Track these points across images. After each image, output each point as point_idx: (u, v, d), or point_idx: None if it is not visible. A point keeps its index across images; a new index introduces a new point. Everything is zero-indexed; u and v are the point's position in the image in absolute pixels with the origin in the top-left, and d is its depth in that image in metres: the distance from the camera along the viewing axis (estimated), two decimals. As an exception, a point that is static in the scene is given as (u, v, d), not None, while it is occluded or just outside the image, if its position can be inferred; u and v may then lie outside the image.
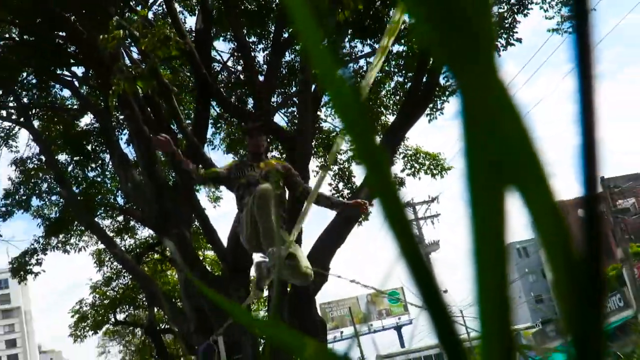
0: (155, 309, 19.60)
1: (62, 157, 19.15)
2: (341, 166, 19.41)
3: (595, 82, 0.35)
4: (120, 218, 21.43)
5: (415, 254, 0.38)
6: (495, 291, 0.36)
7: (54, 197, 19.96)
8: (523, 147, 0.34)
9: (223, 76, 18.13)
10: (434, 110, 17.92)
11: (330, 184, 19.36)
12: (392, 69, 18.00)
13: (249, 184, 6.59)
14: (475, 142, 0.35)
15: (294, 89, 17.19)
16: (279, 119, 18.14)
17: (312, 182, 14.71)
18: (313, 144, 16.60)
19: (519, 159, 0.34)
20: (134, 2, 16.37)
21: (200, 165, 8.05)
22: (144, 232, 21.99)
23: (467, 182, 0.35)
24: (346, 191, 18.88)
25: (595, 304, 0.35)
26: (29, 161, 19.68)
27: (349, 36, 16.30)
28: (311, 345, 0.44)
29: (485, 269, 0.36)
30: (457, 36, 0.33)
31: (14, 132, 19.44)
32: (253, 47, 17.09)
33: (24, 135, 19.60)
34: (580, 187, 0.36)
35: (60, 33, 16.25)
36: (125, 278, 24.22)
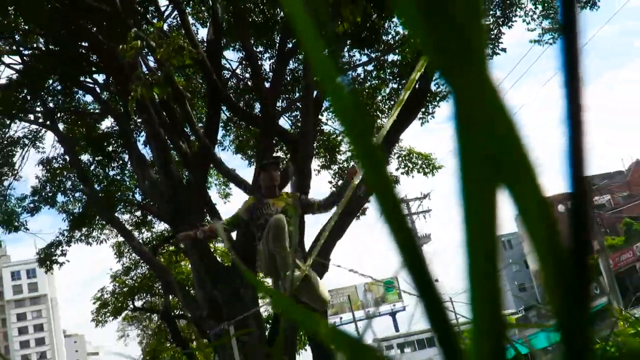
0: (170, 297, 19.59)
1: (85, 157, 19.17)
2: (340, 165, 19.44)
3: (582, 86, 0.35)
4: (138, 213, 21.45)
5: (410, 246, 0.38)
6: (486, 279, 0.36)
7: (77, 194, 20.00)
8: (513, 146, 0.34)
9: (232, 83, 18.14)
10: (426, 114, 17.95)
11: (330, 182, 19.41)
12: (387, 77, 18.04)
13: (265, 221, 6.41)
14: (467, 142, 0.35)
15: (297, 94, 17.20)
16: (284, 122, 18.15)
17: (312, 182, 14.74)
18: (315, 145, 16.62)
19: (509, 157, 0.34)
20: (150, 15, 16.38)
21: (220, 221, 8.05)
22: (160, 226, 22.03)
23: (460, 179, 0.35)
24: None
25: (582, 295, 0.35)
26: (54, 161, 19.72)
27: (347, 46, 16.32)
28: (324, 323, 0.44)
29: (477, 259, 0.36)
30: (450, 42, 0.33)
31: (40, 134, 19.48)
32: (260, 56, 17.11)
33: (49, 137, 19.58)
34: (568, 184, 0.36)
35: (83, 43, 16.26)
36: (143, 268, 24.26)
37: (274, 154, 8.68)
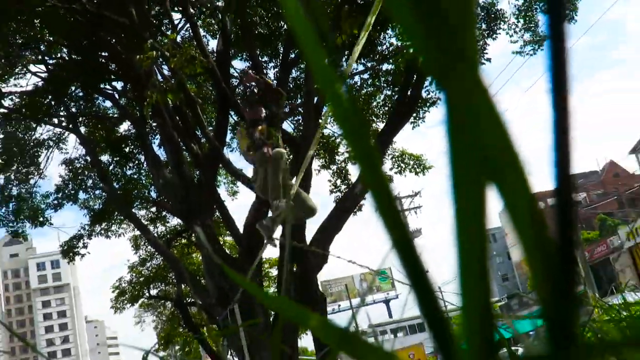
0: (183, 286, 19.57)
1: (104, 158, 19.16)
2: (339, 165, 19.44)
3: (569, 91, 0.34)
4: (154, 209, 21.44)
5: (404, 239, 0.38)
6: (476, 269, 0.36)
7: (97, 192, 19.98)
8: (503, 145, 0.34)
9: (240, 90, 18.13)
10: (417, 119, 17.94)
11: (329, 180, 19.40)
12: (381, 84, 18.06)
13: (257, 145, 7.09)
14: (459, 141, 0.34)
15: (300, 100, 17.19)
16: (287, 126, 18.14)
17: (313, 180, 14.75)
18: (315, 146, 16.62)
19: (499, 155, 0.34)
20: (164, 27, 16.38)
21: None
22: (173, 221, 22.01)
23: (452, 177, 0.35)
24: (343, 186, 18.90)
25: (567, 285, 0.35)
26: (76, 161, 19.72)
27: (345, 56, 16.30)
28: (314, 317, 0.44)
29: (468, 251, 0.36)
30: (444, 46, 0.33)
31: (64, 136, 19.47)
32: (265, 65, 17.11)
33: (72, 139, 19.55)
34: (554, 182, 0.36)
35: (103, 53, 16.27)
36: (158, 259, 24.25)
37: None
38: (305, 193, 7.20)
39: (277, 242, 7.05)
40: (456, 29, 0.33)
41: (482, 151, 0.34)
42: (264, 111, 7.83)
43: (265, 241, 6.95)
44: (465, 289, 0.36)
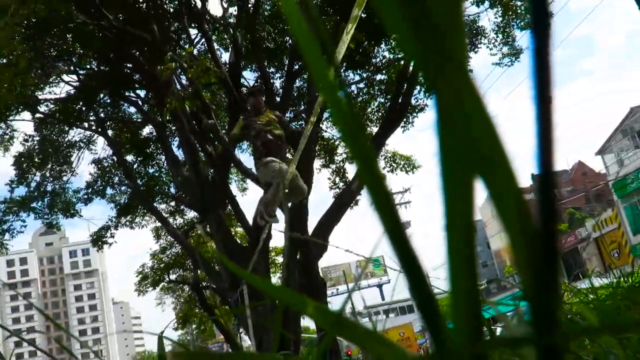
0: (198, 271, 19.60)
1: (129, 158, 19.15)
2: (337, 165, 19.45)
3: (552, 89, 0.34)
4: (173, 203, 21.46)
5: (398, 230, 0.37)
6: (464, 255, 0.36)
7: (123, 188, 20.00)
8: (491, 142, 0.33)
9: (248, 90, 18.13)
10: (407, 123, 17.96)
11: (329, 178, 19.41)
12: (375, 93, 18.08)
13: (258, 132, 6.97)
14: (449, 138, 0.34)
15: (302, 107, 17.19)
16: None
17: (314, 178, 14.74)
18: (316, 148, 16.65)
19: (486, 150, 0.34)
20: (183, 42, 16.37)
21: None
22: (190, 214, 22.01)
23: (442, 172, 0.35)
24: (341, 183, 18.91)
25: (550, 271, 0.35)
26: (104, 160, 19.72)
27: (343, 67, 16.31)
28: (311, 304, 0.44)
29: (456, 238, 0.36)
30: (435, 48, 0.33)
31: (93, 138, 19.48)
32: (272, 76, 17.10)
33: (100, 141, 19.58)
34: (538, 177, 0.35)
35: (128, 65, 16.26)
36: (176, 248, 24.25)
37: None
38: (298, 175, 7.16)
39: (280, 217, 6.95)
40: (446, 31, 0.32)
41: (470, 147, 0.34)
42: (263, 101, 7.70)
43: (266, 223, 6.84)
44: (454, 272, 0.36)
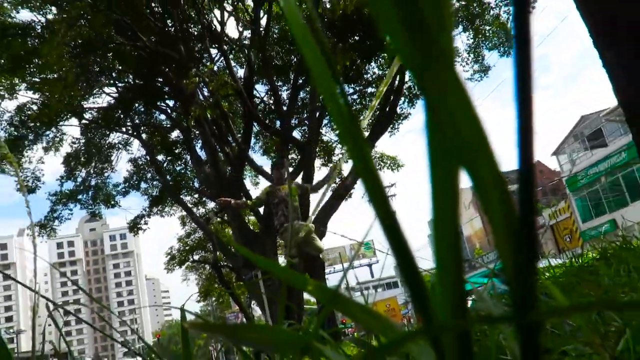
0: (218, 253, 19.64)
1: (160, 157, 19.15)
2: (335, 163, 19.43)
3: (532, 88, 0.32)
4: (196, 196, 21.45)
5: (389, 216, 0.36)
6: (450, 236, 0.34)
7: (154, 182, 20.00)
8: (475, 134, 0.32)
9: (261, 107, 18.10)
10: (393, 129, 17.97)
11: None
12: (367, 103, 18.05)
13: (279, 201, 7.10)
14: (436, 131, 0.33)
15: (305, 115, 17.18)
16: (296, 134, 18.14)
17: (315, 175, 14.74)
18: (317, 150, 16.66)
19: (471, 143, 0.32)
20: (204, 60, 16.34)
21: (246, 200, 8.56)
22: (211, 205, 21.99)
23: (430, 162, 0.33)
24: (337, 179, 18.90)
25: (530, 255, 0.33)
26: (139, 159, 19.72)
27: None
28: (312, 282, 0.43)
29: (443, 221, 0.34)
30: (426, 49, 0.31)
31: (129, 141, 19.48)
32: (279, 88, 17.08)
33: (135, 143, 19.62)
34: (519, 169, 0.34)
35: (159, 79, 16.24)
36: (199, 233, 24.25)
37: (284, 157, 9.06)
38: (315, 236, 7.32)
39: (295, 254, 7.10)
40: (435, 31, 0.31)
41: (456, 139, 0.32)
42: (285, 174, 7.91)
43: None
44: (441, 256, 0.34)
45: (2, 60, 14.83)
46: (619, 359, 0.85)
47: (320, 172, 20.39)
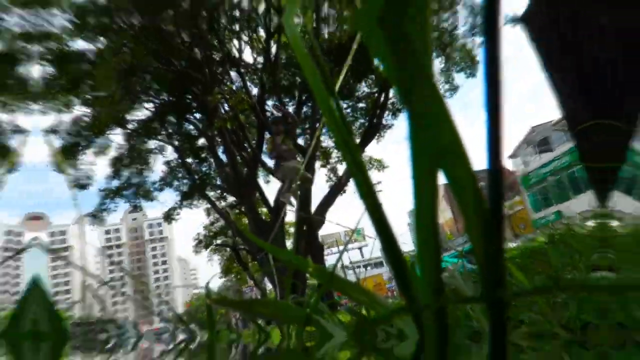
0: (236, 238, 19.60)
1: (189, 160, 19.10)
2: (332, 165, 19.40)
3: (501, 93, 0.31)
4: (219, 192, 21.39)
5: (377, 209, 0.35)
6: (429, 225, 0.33)
7: (185, 181, 19.95)
8: (452, 140, 0.31)
9: (271, 115, 18.03)
10: (380, 137, 17.94)
11: (325, 174, 19.37)
12: (357, 116, 18.04)
13: (279, 150, 7.06)
14: (418, 137, 0.31)
15: (308, 126, 17.16)
16: (300, 141, 18.09)
17: (314, 176, 14.69)
18: (317, 153, 16.65)
19: (448, 148, 0.31)
20: (225, 80, 16.30)
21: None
22: (230, 199, 21.92)
23: (412, 164, 0.32)
24: (334, 178, 18.87)
25: (499, 242, 0.32)
26: (172, 162, 19.68)
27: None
28: (311, 265, 0.42)
29: (423, 214, 0.33)
30: (408, 67, 0.30)
31: (164, 147, 19.45)
32: (286, 104, 17.05)
33: (169, 149, 19.59)
34: (489, 167, 0.33)
35: (188, 96, 16.22)
36: (221, 222, 24.20)
37: (282, 111, 9.05)
38: (304, 172, 7.21)
39: (293, 202, 7.00)
40: (420, 56, 0.30)
41: (435, 144, 0.31)
42: (282, 127, 7.81)
43: (285, 206, 6.88)
44: (421, 242, 0.33)
45: (62, 82, 14.82)
46: (566, 326, 0.84)
47: (319, 172, 20.32)
